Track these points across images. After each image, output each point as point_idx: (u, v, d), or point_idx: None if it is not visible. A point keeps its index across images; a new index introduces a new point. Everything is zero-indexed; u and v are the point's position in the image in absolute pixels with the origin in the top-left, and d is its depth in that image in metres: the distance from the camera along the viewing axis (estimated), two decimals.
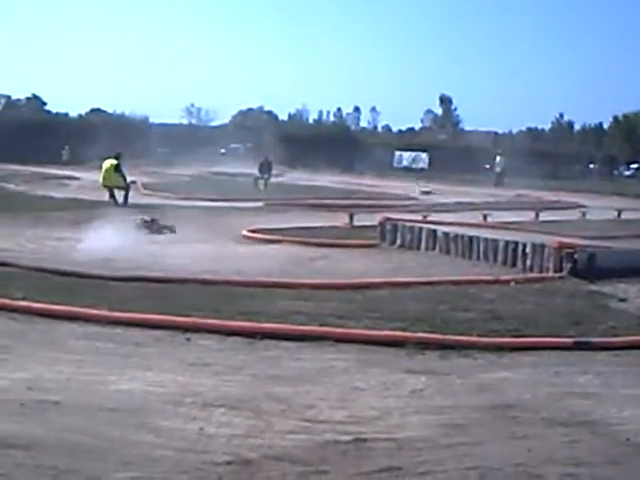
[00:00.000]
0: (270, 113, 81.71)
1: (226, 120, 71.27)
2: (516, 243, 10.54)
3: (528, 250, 10.29)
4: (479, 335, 6.40)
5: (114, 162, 19.37)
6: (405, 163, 55.51)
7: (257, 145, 46.74)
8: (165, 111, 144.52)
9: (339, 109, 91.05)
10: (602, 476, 3.75)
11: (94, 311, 6.62)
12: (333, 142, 52.01)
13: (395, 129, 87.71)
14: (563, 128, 79.49)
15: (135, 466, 3.65)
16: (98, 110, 63.04)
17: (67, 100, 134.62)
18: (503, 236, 11.15)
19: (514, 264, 10.39)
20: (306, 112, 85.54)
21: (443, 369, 5.56)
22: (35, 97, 72.62)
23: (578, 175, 52.13)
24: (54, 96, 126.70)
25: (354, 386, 5.09)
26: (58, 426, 4.12)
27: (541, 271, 9.97)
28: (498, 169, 37.70)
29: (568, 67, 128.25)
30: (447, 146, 58.59)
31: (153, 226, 13.47)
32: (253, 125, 64.02)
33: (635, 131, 60.79)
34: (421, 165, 54.30)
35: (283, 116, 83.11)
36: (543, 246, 10.17)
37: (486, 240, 10.99)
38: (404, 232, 12.31)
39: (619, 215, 18.97)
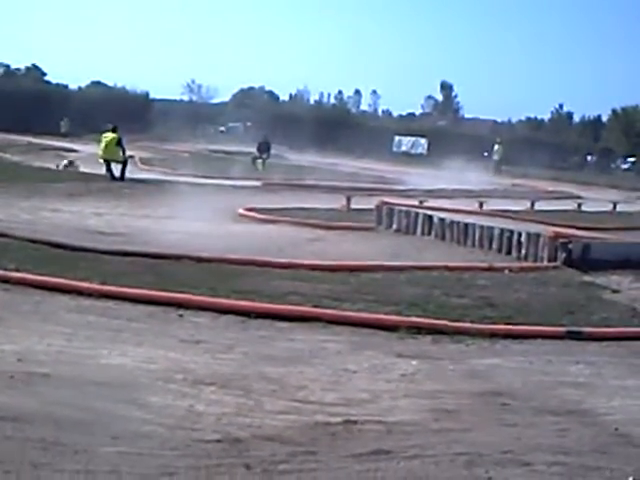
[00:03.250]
0: (271, 93, 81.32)
1: (226, 98, 70.98)
2: (511, 231, 10.55)
3: (523, 239, 10.29)
4: (472, 321, 6.40)
5: (115, 135, 19.24)
6: (404, 148, 55.37)
7: (256, 124, 46.60)
8: (166, 87, 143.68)
9: (340, 92, 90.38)
10: (590, 465, 3.75)
11: (87, 284, 6.58)
12: (333, 124, 51.85)
13: (395, 114, 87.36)
14: (562, 119, 79.05)
15: (123, 441, 3.63)
16: (98, 83, 62.51)
17: (67, 71, 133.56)
18: (498, 224, 11.15)
19: (509, 252, 10.40)
20: (307, 93, 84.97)
21: (435, 354, 5.57)
22: (35, 67, 71.92)
23: (575, 166, 52.11)
24: (54, 67, 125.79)
25: (346, 368, 5.09)
26: (47, 399, 4.10)
27: (535, 260, 9.99)
28: (496, 157, 37.74)
29: (569, 58, 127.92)
30: (446, 132, 58.34)
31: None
32: (253, 104, 63.77)
33: (633, 125, 60.64)
34: (420, 150, 54.19)
35: (284, 96, 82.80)
36: (538, 235, 10.17)
37: (481, 227, 10.98)
38: (400, 217, 12.30)
39: (614, 207, 19.01)
